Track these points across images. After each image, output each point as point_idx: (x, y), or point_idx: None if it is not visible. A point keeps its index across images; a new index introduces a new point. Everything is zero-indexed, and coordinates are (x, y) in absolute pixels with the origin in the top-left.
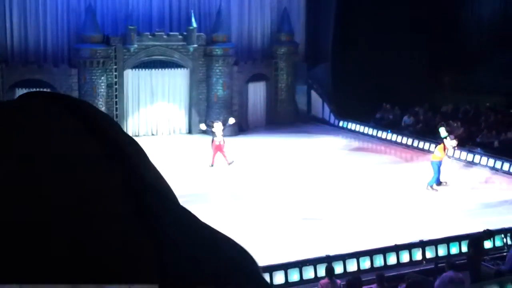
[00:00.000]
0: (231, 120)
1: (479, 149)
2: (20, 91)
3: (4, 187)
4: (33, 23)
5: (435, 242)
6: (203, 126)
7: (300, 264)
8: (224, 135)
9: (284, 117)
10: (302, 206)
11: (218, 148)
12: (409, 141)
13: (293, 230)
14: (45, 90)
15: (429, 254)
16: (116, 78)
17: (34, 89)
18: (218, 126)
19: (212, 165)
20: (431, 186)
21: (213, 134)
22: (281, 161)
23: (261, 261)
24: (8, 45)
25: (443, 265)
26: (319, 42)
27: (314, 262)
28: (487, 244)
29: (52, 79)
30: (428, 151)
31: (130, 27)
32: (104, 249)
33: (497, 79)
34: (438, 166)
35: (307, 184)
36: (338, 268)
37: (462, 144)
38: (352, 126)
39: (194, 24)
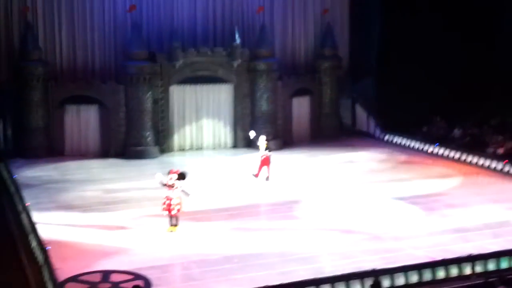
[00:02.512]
0: (252, 133)
1: None
2: (69, 107)
3: None
4: (81, 41)
5: (485, 257)
6: (252, 133)
7: (346, 278)
8: (269, 149)
9: (329, 131)
10: (346, 219)
11: (263, 162)
12: (457, 155)
13: (338, 243)
14: (91, 106)
15: (479, 268)
16: (162, 93)
17: (83, 105)
18: (261, 140)
19: (256, 176)
20: None
21: (258, 148)
22: (326, 174)
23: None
24: (57, 63)
25: (493, 280)
26: (363, 56)
27: (360, 276)
28: None
29: (100, 95)
30: (476, 165)
31: (175, 43)
32: None
33: None
34: None
35: (353, 197)
36: (385, 283)
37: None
38: (398, 139)
39: (238, 40)
